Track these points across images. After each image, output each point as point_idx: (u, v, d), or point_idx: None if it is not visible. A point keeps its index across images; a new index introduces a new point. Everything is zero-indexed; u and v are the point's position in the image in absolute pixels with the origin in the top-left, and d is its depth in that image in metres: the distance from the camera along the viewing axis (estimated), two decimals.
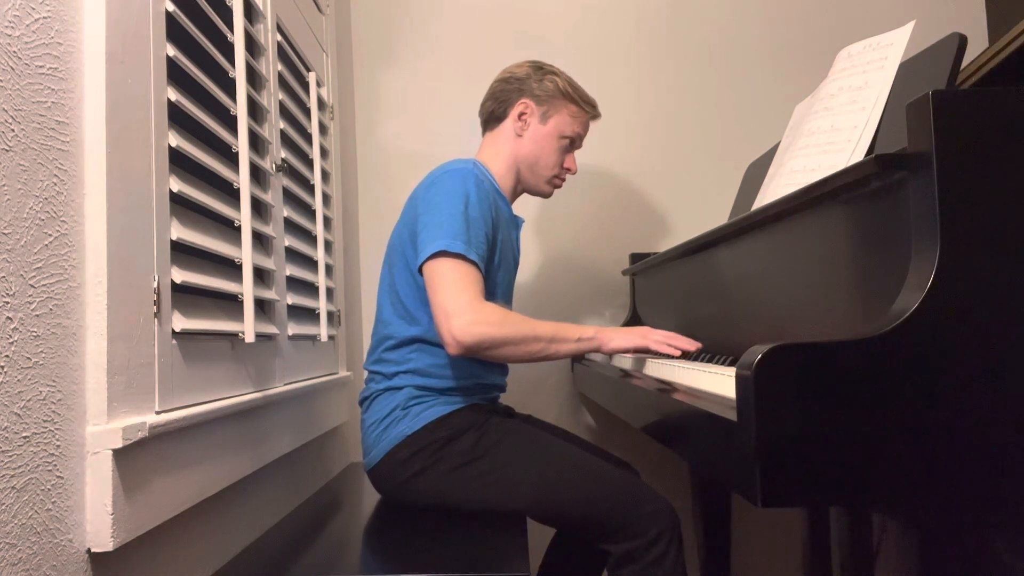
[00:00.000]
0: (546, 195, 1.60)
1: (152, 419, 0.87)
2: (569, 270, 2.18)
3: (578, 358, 2.04)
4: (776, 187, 1.27)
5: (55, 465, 0.76)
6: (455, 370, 1.38)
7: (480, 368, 1.41)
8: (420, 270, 1.32)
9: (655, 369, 1.24)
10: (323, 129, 1.84)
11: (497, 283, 1.43)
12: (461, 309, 1.23)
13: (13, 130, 0.71)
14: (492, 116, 1.55)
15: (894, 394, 0.70)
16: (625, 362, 1.50)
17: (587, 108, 1.55)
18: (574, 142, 1.56)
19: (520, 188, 1.58)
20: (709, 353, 1.34)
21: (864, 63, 1.16)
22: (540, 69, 1.53)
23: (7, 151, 0.70)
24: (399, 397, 1.35)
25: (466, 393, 1.39)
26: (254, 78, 1.37)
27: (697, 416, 0.86)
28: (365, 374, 1.46)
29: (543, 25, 2.20)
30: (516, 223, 1.56)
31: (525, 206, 2.17)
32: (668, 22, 2.21)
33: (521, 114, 1.52)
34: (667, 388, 1.07)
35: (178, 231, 1.01)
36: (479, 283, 1.28)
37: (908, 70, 1.09)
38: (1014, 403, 0.71)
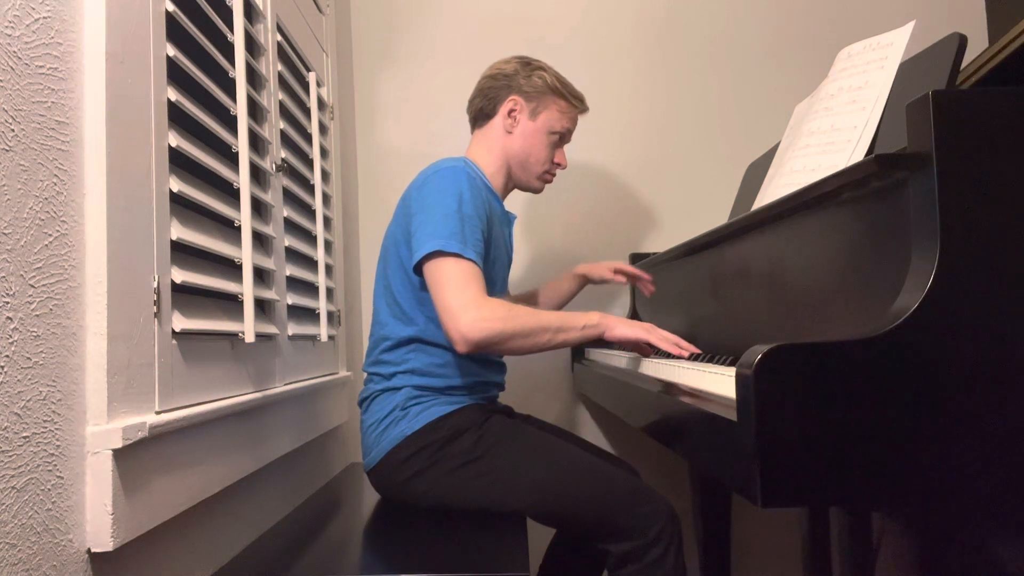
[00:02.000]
0: (537, 191, 1.60)
1: (152, 419, 0.87)
2: (569, 270, 2.18)
3: (578, 358, 2.04)
4: (776, 187, 1.27)
5: (55, 465, 0.76)
6: (453, 369, 1.38)
7: (478, 366, 1.41)
8: (417, 270, 1.32)
9: (655, 369, 1.24)
10: (323, 129, 1.84)
11: (492, 280, 1.43)
12: (466, 306, 1.23)
13: (13, 130, 0.71)
14: (481, 113, 1.55)
15: (894, 394, 0.70)
16: (624, 362, 1.50)
17: (576, 103, 1.55)
18: (564, 137, 1.56)
19: (511, 184, 1.58)
20: (709, 353, 1.34)
21: (864, 63, 1.16)
22: (528, 65, 1.53)
23: (7, 151, 0.70)
24: (398, 397, 1.35)
25: (465, 392, 1.39)
26: (254, 78, 1.37)
27: (697, 416, 0.86)
28: (364, 375, 1.46)
29: (543, 25, 2.20)
30: (508, 220, 1.56)
31: (525, 206, 2.17)
32: (668, 22, 2.21)
33: (511, 111, 1.51)
34: (667, 388, 1.06)
35: (178, 231, 1.01)
36: (480, 279, 1.28)
37: (908, 70, 1.09)
38: (1014, 403, 0.71)
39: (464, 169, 1.37)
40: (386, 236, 1.47)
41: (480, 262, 1.30)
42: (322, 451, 1.80)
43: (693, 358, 1.32)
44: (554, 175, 1.59)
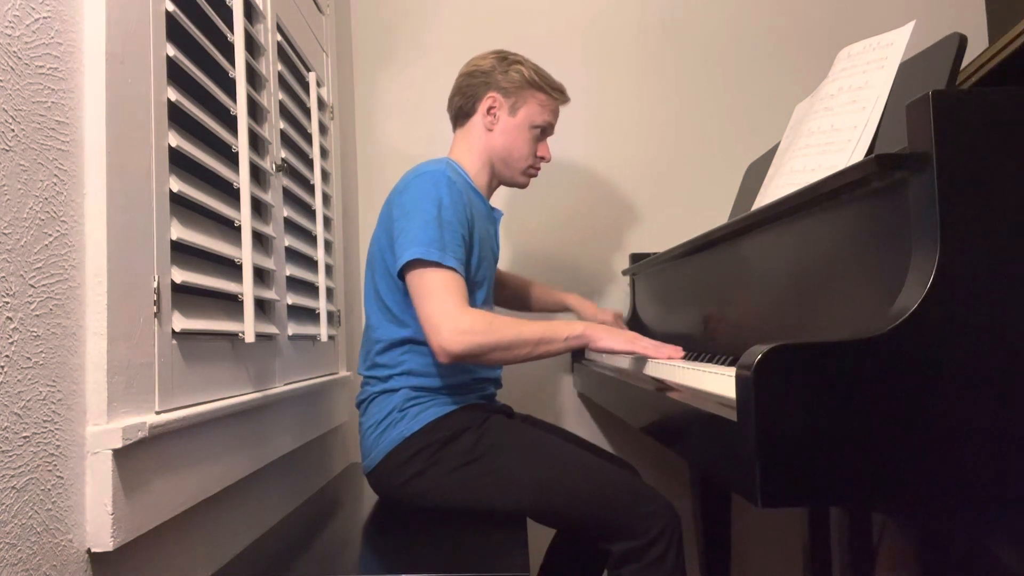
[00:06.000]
0: (522, 186, 1.58)
1: (152, 419, 0.87)
2: (569, 270, 2.18)
3: (578, 357, 2.04)
4: (776, 187, 1.27)
5: (55, 465, 0.76)
6: (449, 368, 1.37)
7: (473, 364, 1.41)
8: (400, 276, 1.32)
9: (654, 369, 1.24)
10: (323, 129, 1.84)
11: (479, 280, 1.42)
12: (446, 318, 1.23)
13: (13, 130, 0.71)
14: (461, 112, 1.53)
15: (894, 394, 0.70)
16: (624, 362, 1.50)
17: (556, 94, 1.53)
18: (545, 130, 1.54)
19: (496, 182, 1.57)
20: (709, 353, 1.34)
21: (864, 63, 1.16)
22: (505, 59, 1.51)
23: (7, 151, 0.70)
24: (396, 399, 1.35)
25: (462, 390, 1.39)
26: (254, 78, 1.37)
27: (697, 416, 0.86)
28: (361, 379, 1.46)
29: (543, 25, 2.20)
30: (493, 218, 1.55)
31: (526, 206, 2.17)
32: (669, 23, 2.21)
33: (490, 108, 1.50)
34: (667, 388, 1.06)
35: (178, 231, 1.01)
36: (461, 289, 1.27)
37: (908, 70, 1.09)
38: (1014, 403, 0.71)
39: (445, 172, 1.36)
40: (372, 241, 1.46)
41: (461, 269, 1.29)
42: (322, 451, 1.80)
43: (689, 358, 1.32)
44: (539, 169, 1.58)
